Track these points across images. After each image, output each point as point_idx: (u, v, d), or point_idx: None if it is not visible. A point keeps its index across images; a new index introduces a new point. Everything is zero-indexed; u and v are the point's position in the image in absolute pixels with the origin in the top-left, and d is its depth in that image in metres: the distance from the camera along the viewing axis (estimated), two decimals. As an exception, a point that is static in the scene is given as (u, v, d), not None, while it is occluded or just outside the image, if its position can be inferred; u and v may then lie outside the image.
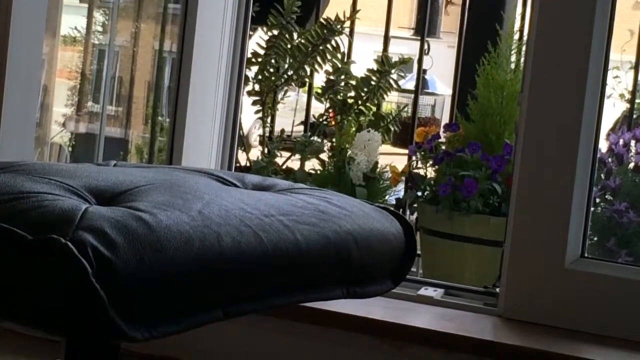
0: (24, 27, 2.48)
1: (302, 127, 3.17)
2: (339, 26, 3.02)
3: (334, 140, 3.00)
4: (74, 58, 3.15)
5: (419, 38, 3.04)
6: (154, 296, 1.07)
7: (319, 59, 3.03)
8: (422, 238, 2.62)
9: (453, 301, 2.24)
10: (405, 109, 3.36)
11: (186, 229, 1.12)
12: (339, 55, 3.04)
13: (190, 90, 2.48)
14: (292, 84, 3.12)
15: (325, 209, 1.31)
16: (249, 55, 2.85)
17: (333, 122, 3.08)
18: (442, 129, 2.77)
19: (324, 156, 2.97)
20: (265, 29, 3.06)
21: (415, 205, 2.68)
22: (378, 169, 2.86)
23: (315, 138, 2.98)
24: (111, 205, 1.17)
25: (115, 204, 1.18)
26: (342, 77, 3.05)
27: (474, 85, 2.74)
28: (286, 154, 3.06)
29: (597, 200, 2.54)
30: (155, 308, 1.08)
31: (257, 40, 3.07)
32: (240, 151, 2.80)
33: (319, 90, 3.08)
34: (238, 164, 2.81)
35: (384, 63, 3.02)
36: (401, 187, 2.84)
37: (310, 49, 3.02)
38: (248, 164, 3.01)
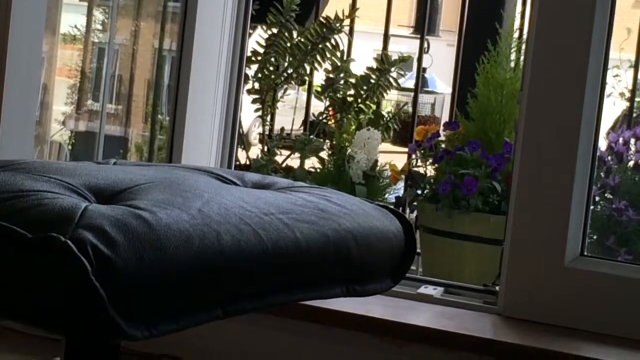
0: (23, 25, 2.48)
1: (303, 127, 3.18)
2: (338, 24, 3.02)
3: (333, 138, 3.00)
4: (74, 56, 3.15)
5: (419, 36, 3.03)
6: (153, 294, 1.07)
7: (318, 57, 3.03)
8: (422, 236, 2.62)
9: (453, 299, 2.24)
10: (405, 107, 3.36)
11: (186, 227, 1.12)
12: (339, 54, 3.04)
13: (190, 89, 2.49)
14: (292, 82, 3.12)
15: (325, 208, 1.31)
16: (249, 54, 2.85)
17: (333, 121, 3.08)
18: (441, 128, 2.77)
19: (323, 154, 2.97)
20: (264, 27, 3.06)
21: (415, 203, 2.68)
22: (378, 167, 2.86)
23: (314, 137, 2.98)
24: (111, 204, 1.17)
25: (115, 202, 1.18)
26: (342, 75, 3.05)
27: (473, 83, 2.74)
28: (286, 152, 3.06)
29: (597, 198, 2.54)
30: (155, 306, 1.08)
31: (257, 38, 3.07)
32: (240, 149, 2.80)
33: (319, 89, 3.08)
34: (238, 162, 2.81)
35: (384, 61, 3.02)
36: (401, 185, 2.84)
37: (309, 47, 3.02)
38: (248, 162, 3.01)
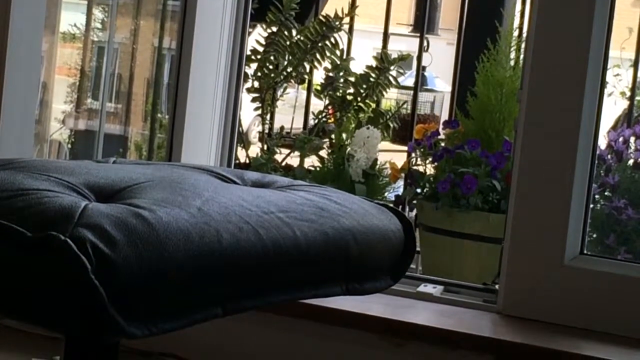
0: (23, 24, 2.48)
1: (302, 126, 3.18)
2: (337, 23, 3.02)
3: (332, 137, 3.00)
4: (74, 55, 3.15)
5: (418, 35, 3.03)
6: (153, 293, 1.07)
7: (318, 55, 3.03)
8: (422, 235, 2.62)
9: (452, 298, 2.24)
10: (405, 106, 3.36)
11: (185, 225, 1.12)
12: (338, 52, 3.04)
13: (189, 87, 2.48)
14: (292, 80, 3.12)
15: (325, 206, 1.31)
16: (248, 52, 2.85)
17: (332, 119, 3.08)
18: (441, 126, 2.77)
19: (323, 153, 2.97)
20: (264, 25, 3.06)
21: (414, 202, 2.68)
22: (377, 166, 2.86)
23: (313, 136, 2.98)
24: (110, 202, 1.17)
25: (115, 201, 1.18)
26: (342, 74, 3.05)
27: (473, 82, 2.74)
28: (285, 151, 3.06)
29: (597, 197, 2.54)
30: (154, 305, 1.08)
31: (256, 37, 3.07)
32: (239, 148, 2.80)
33: (318, 87, 3.08)
34: (237, 161, 2.81)
35: (383, 60, 3.02)
36: (400, 184, 2.84)
37: (309, 45, 3.02)
38: (247, 161, 3.01)
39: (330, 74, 3.05)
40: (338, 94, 3.06)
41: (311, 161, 3.00)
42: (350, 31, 3.10)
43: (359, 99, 3.04)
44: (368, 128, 2.89)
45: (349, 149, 2.86)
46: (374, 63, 3.03)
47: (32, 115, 2.64)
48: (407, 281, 2.26)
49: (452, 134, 2.71)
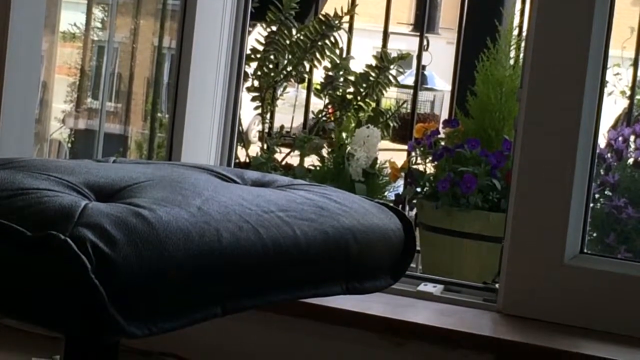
0: (23, 23, 2.48)
1: (302, 125, 3.17)
2: (337, 22, 3.02)
3: (332, 136, 3.00)
4: (73, 54, 3.15)
5: (418, 34, 3.03)
6: (153, 292, 1.07)
7: (318, 54, 3.03)
8: (422, 234, 2.62)
9: (452, 297, 2.24)
10: (405, 105, 3.36)
11: (185, 225, 1.12)
12: (338, 51, 3.04)
13: (189, 87, 2.48)
14: (292, 80, 3.12)
15: (325, 205, 1.31)
16: (248, 52, 2.85)
17: (332, 118, 3.08)
18: (441, 125, 2.77)
19: (323, 152, 2.97)
20: (264, 25, 3.06)
21: (414, 201, 2.68)
22: (377, 165, 2.86)
23: (313, 136, 2.98)
24: (110, 202, 1.17)
25: (115, 200, 1.18)
26: (341, 73, 3.05)
27: (473, 81, 2.74)
28: (285, 150, 3.06)
29: (597, 196, 2.54)
30: (154, 304, 1.08)
31: (256, 36, 3.07)
32: (239, 147, 2.80)
33: (318, 86, 3.08)
34: (237, 160, 2.81)
35: (383, 59, 3.02)
36: (400, 183, 2.84)
37: (309, 44, 3.02)
38: (247, 160, 3.01)
39: (330, 73, 3.05)
40: (338, 93, 3.06)
41: (311, 160, 3.00)
42: (350, 30, 3.10)
43: (358, 98, 3.04)
44: (368, 127, 2.89)
45: (349, 148, 2.86)
46: (373, 62, 3.03)
47: (32, 114, 2.64)
48: (407, 280, 2.26)
49: (452, 133, 2.71)
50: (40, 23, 2.56)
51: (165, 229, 1.10)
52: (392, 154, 3.05)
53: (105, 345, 1.24)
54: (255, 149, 3.15)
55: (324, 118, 3.08)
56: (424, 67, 3.13)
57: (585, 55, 2.08)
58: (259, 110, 3.07)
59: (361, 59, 3.13)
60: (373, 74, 3.02)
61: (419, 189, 2.65)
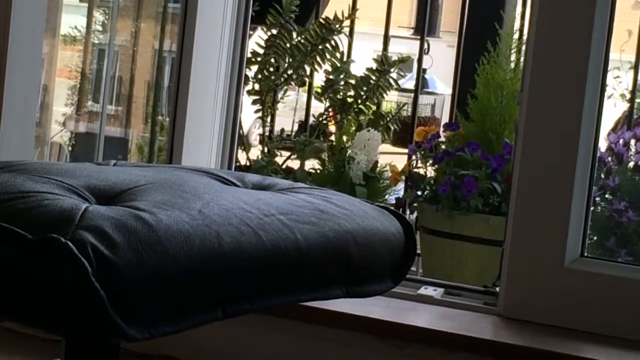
0: (23, 26, 2.48)
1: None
2: (338, 25, 3.02)
3: (332, 139, 3.01)
4: (74, 57, 3.15)
5: (419, 37, 3.04)
6: (153, 295, 1.07)
7: (318, 58, 3.03)
8: (422, 237, 2.62)
9: (453, 300, 2.24)
10: (405, 108, 3.36)
11: (186, 228, 1.12)
12: (339, 55, 3.04)
13: (190, 90, 2.48)
14: (292, 83, 3.12)
15: (325, 208, 1.31)
16: (249, 55, 2.85)
17: (333, 122, 3.09)
18: (441, 128, 2.77)
19: (323, 155, 2.97)
20: (264, 28, 3.06)
21: (415, 204, 2.68)
22: (378, 168, 2.86)
23: (314, 140, 2.98)
24: (111, 205, 1.17)
25: (115, 203, 1.18)
26: (342, 76, 3.05)
27: (473, 84, 2.74)
28: (286, 154, 3.06)
29: (597, 199, 2.54)
30: (154, 307, 1.08)
31: (257, 39, 3.07)
32: (240, 150, 2.80)
33: (319, 90, 3.08)
34: (238, 163, 2.81)
35: (384, 62, 3.02)
36: (401, 186, 2.84)
37: (309, 48, 3.02)
38: (248, 164, 3.01)
39: (331, 77, 3.05)
40: (338, 96, 3.06)
41: (311, 164, 3.01)
42: (351, 34, 3.10)
43: (359, 101, 3.04)
44: (368, 130, 2.89)
45: (349, 151, 2.86)
46: (374, 65, 3.03)
47: (33, 117, 2.64)
48: (408, 284, 2.26)
49: (452, 137, 2.71)
50: (40, 26, 2.56)
51: (166, 232, 1.10)
52: (392, 158, 3.06)
53: (106, 348, 1.24)
54: (255, 152, 3.15)
55: (324, 122, 3.08)
56: (424, 70, 3.13)
57: (586, 59, 2.08)
58: (260, 114, 3.07)
59: (362, 63, 3.13)
60: (374, 78, 3.02)
61: (419, 193, 2.65)
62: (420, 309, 2.21)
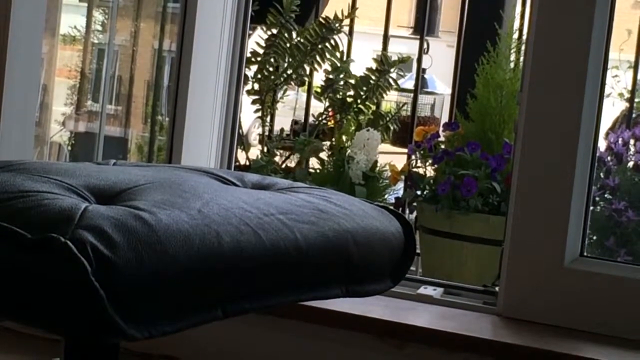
0: (23, 26, 2.48)
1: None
2: (337, 25, 3.02)
3: (329, 137, 3.01)
4: (74, 57, 3.15)
5: (418, 37, 3.03)
6: (153, 295, 1.07)
7: (318, 57, 3.03)
8: (422, 237, 2.62)
9: (452, 300, 2.24)
10: (405, 108, 3.36)
11: (186, 227, 1.12)
12: (338, 54, 3.04)
13: (189, 90, 2.48)
14: (292, 82, 3.12)
15: (325, 208, 1.31)
16: (249, 55, 2.85)
17: (332, 121, 3.09)
18: (441, 128, 2.77)
19: (323, 155, 2.97)
20: (264, 27, 3.06)
21: (414, 204, 2.68)
22: (377, 168, 2.86)
23: (313, 139, 2.98)
24: (111, 204, 1.17)
25: (115, 202, 1.18)
26: (342, 76, 3.05)
27: (473, 84, 2.74)
28: (286, 153, 3.06)
29: (597, 199, 2.54)
30: (154, 307, 1.08)
31: (256, 39, 3.07)
32: (239, 150, 2.80)
33: (318, 89, 3.08)
34: (237, 163, 2.81)
35: (383, 62, 3.02)
36: (400, 186, 2.84)
37: (309, 47, 3.02)
38: (247, 163, 3.01)
39: (330, 76, 3.05)
40: (338, 96, 3.06)
41: (311, 163, 3.01)
42: (351, 33, 3.10)
43: (359, 101, 3.04)
44: (368, 130, 2.89)
45: (349, 151, 2.86)
46: (374, 65, 3.03)
47: (32, 117, 2.64)
48: (407, 283, 2.26)
49: (452, 136, 2.71)
50: (40, 26, 2.56)
51: (166, 232, 1.10)
52: (392, 157, 3.06)
53: (105, 348, 1.24)
54: (255, 152, 3.15)
55: (324, 121, 3.08)
56: (424, 70, 3.13)
57: (586, 59, 2.08)
58: (259, 113, 3.07)
59: (361, 62, 3.13)
60: (373, 77, 3.02)
61: (419, 192, 2.65)
62: (420, 309, 2.21)
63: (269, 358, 2.21)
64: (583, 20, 2.08)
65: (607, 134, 2.63)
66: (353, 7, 3.06)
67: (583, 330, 2.09)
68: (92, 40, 3.16)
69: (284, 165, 3.04)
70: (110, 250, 1.04)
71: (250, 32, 2.79)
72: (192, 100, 2.49)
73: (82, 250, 1.03)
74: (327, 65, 3.05)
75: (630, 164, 2.60)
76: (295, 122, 3.42)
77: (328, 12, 3.26)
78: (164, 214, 1.13)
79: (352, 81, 3.05)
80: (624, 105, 3.11)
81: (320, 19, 3.05)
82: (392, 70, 3.02)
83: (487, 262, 2.46)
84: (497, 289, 2.22)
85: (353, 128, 3.01)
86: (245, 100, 2.94)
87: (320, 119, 3.08)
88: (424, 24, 3.00)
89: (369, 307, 2.11)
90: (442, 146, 2.69)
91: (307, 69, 3.06)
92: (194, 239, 1.11)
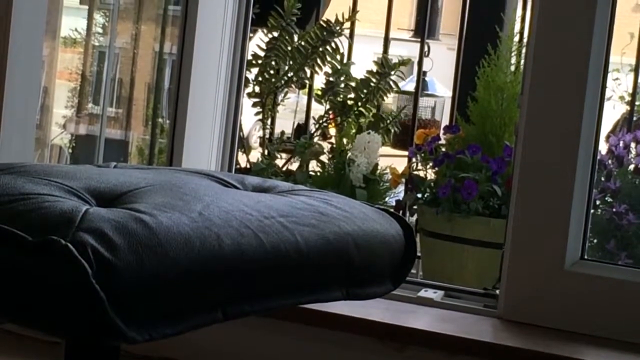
0: (24, 29, 2.48)
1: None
2: (338, 28, 3.02)
3: (333, 142, 3.01)
4: (74, 60, 3.15)
5: (419, 40, 3.04)
6: (154, 297, 1.07)
7: (318, 60, 3.03)
8: (422, 240, 2.62)
9: (453, 303, 2.24)
10: (405, 110, 3.36)
11: (186, 230, 1.12)
12: (339, 57, 3.05)
13: (190, 92, 2.49)
14: (292, 85, 3.12)
15: (326, 211, 1.31)
16: (249, 57, 2.85)
17: (333, 124, 3.09)
18: (442, 131, 2.77)
19: (324, 158, 2.97)
20: (265, 30, 3.06)
21: (415, 207, 2.68)
22: (378, 171, 2.86)
23: (314, 142, 2.98)
24: (111, 207, 1.17)
25: (116, 205, 1.18)
26: (342, 78, 3.05)
27: (474, 87, 2.74)
28: (286, 156, 3.06)
29: (597, 202, 2.54)
30: (155, 309, 1.08)
31: (257, 42, 3.07)
32: (240, 153, 2.80)
33: (319, 92, 3.08)
34: (238, 166, 2.81)
35: (384, 65, 3.02)
36: (401, 188, 2.84)
37: (310, 50, 3.02)
38: (248, 166, 3.01)
39: (331, 79, 3.05)
40: (339, 98, 3.06)
41: (311, 166, 3.01)
42: (351, 36, 3.10)
43: (359, 103, 3.04)
44: (369, 133, 2.89)
45: (349, 153, 2.86)
46: (374, 68, 3.03)
47: (33, 119, 2.64)
48: (408, 286, 2.26)
49: (452, 139, 2.71)
50: (41, 28, 2.56)
51: (166, 234, 1.10)
52: (392, 160, 3.06)
53: (106, 350, 1.24)
54: (255, 155, 3.15)
55: (325, 124, 3.08)
56: (424, 73, 3.13)
57: (586, 62, 2.08)
58: (260, 116, 3.07)
59: (362, 65, 3.13)
60: (374, 80, 3.02)
61: (419, 195, 2.65)
62: (420, 312, 2.21)
63: (270, 361, 2.21)
64: (583, 23, 2.08)
65: (608, 137, 2.63)
66: (354, 10, 3.06)
67: (584, 333, 2.08)
68: (92, 42, 3.16)
69: (284, 168, 3.04)
70: (111, 253, 1.04)
71: (251, 34, 2.79)
72: (192, 102, 2.49)
73: (83, 252, 1.03)
74: (327, 68, 3.05)
75: (631, 167, 2.60)
76: (299, 125, 3.42)
77: (329, 15, 3.26)
78: (164, 217, 1.13)
79: (353, 84, 3.05)
80: (624, 108, 3.11)
81: (321, 22, 3.06)
82: (392, 73, 3.02)
83: (488, 265, 2.46)
84: (497, 291, 2.22)
85: (354, 131, 3.01)
86: (246, 103, 2.94)
87: (320, 121, 3.08)
88: (425, 26, 3.01)
89: (369, 309, 2.11)
90: (443, 149, 2.69)
91: (308, 71, 3.06)
92: (195, 241, 1.11)
